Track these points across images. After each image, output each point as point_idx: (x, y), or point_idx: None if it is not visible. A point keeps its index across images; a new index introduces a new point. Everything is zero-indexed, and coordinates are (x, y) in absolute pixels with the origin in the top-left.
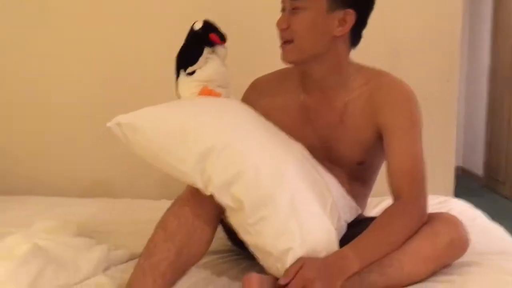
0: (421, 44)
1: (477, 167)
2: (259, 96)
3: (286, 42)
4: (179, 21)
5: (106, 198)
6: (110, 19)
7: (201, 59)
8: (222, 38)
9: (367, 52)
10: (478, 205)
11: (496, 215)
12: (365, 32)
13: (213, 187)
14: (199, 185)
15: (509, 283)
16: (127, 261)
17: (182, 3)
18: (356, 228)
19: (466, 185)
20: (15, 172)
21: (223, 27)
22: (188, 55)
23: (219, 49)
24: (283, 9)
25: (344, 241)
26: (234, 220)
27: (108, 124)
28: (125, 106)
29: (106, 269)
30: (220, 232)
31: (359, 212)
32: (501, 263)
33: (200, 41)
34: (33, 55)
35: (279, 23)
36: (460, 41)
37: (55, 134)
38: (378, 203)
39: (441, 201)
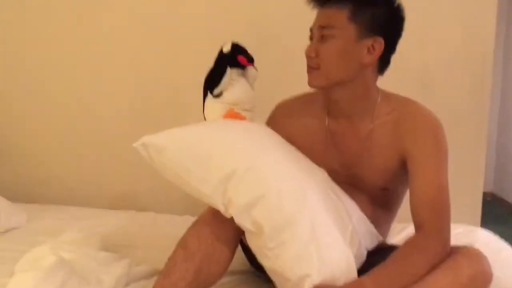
0: (450, 66)
1: (508, 193)
2: (284, 119)
3: (312, 68)
4: (214, 42)
5: (133, 211)
6: (147, 39)
7: (225, 80)
8: (250, 60)
9: (395, 76)
10: (506, 234)
11: None
12: (393, 57)
13: (234, 210)
14: (220, 207)
15: None
16: (148, 277)
17: (216, 25)
18: (377, 256)
19: (495, 212)
20: (49, 182)
21: (253, 50)
22: (214, 77)
23: (250, 71)
24: (311, 38)
25: (364, 269)
26: (253, 243)
27: (134, 145)
28: (155, 123)
29: (127, 284)
30: (240, 252)
31: (380, 239)
32: None
33: (227, 63)
34: (69, 71)
35: (307, 51)
36: (492, 63)
37: (88, 147)
38: (402, 229)
39: (467, 231)
